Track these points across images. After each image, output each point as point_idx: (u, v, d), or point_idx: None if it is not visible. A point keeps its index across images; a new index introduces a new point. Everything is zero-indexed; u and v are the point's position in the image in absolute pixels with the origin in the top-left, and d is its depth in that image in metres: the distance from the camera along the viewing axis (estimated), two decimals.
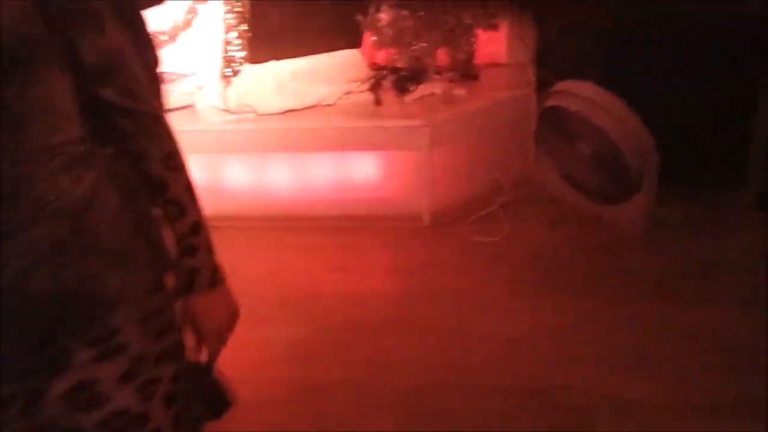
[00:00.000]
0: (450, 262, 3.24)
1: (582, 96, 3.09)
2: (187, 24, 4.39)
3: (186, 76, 4.36)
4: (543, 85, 3.60)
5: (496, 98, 3.68)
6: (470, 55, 3.73)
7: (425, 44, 3.42)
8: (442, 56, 3.70)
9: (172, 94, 4.14)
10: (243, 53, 3.62)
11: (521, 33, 3.83)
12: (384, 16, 3.38)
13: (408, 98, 3.61)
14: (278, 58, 3.65)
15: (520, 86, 3.72)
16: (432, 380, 2.49)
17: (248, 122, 3.61)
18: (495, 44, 4.01)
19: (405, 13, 3.32)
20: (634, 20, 3.52)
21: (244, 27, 3.51)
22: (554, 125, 3.42)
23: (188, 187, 1.21)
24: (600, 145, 3.13)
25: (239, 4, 3.50)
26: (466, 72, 3.73)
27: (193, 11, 4.39)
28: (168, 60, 4.37)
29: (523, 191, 3.67)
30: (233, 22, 3.58)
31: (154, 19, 4.29)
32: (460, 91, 3.60)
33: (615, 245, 3.19)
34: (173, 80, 4.36)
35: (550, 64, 3.73)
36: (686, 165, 3.35)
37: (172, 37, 4.40)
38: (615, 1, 3.57)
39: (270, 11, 3.47)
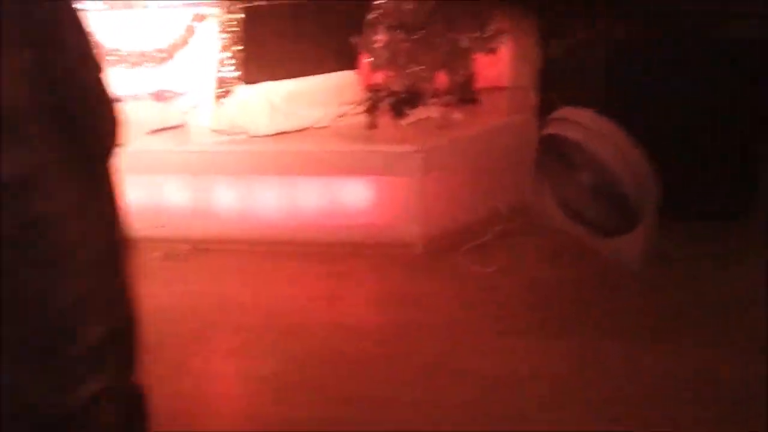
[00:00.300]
0: (442, 293, 3.12)
1: (582, 124, 2.98)
2: (184, 42, 4.34)
3: (182, 94, 4.30)
4: (549, 109, 3.50)
5: (494, 124, 3.58)
6: (469, 79, 3.64)
7: (421, 67, 3.32)
8: (441, 79, 3.60)
9: (168, 113, 4.08)
10: (236, 73, 3.54)
11: (524, 56, 3.73)
12: (379, 38, 3.29)
13: (404, 122, 3.51)
14: (272, 79, 3.57)
15: (521, 111, 3.61)
16: (417, 419, 2.37)
17: (239, 144, 3.52)
18: (497, 67, 3.91)
19: (400, 35, 3.24)
20: (640, 45, 3.42)
21: (237, 47, 3.43)
22: (554, 153, 3.31)
23: None
24: (600, 176, 3.01)
25: (233, 23, 3.42)
26: (465, 96, 3.63)
27: (190, 29, 4.34)
28: (164, 78, 4.36)
29: (521, 220, 3.54)
30: (226, 41, 3.50)
31: (152, 36, 4.29)
32: (457, 116, 3.50)
33: (614, 281, 3.05)
34: (170, 98, 4.31)
35: (555, 88, 3.63)
36: (691, 197, 3.23)
37: (170, 54, 4.35)
38: (622, 23, 3.48)
39: (264, 32, 3.38)
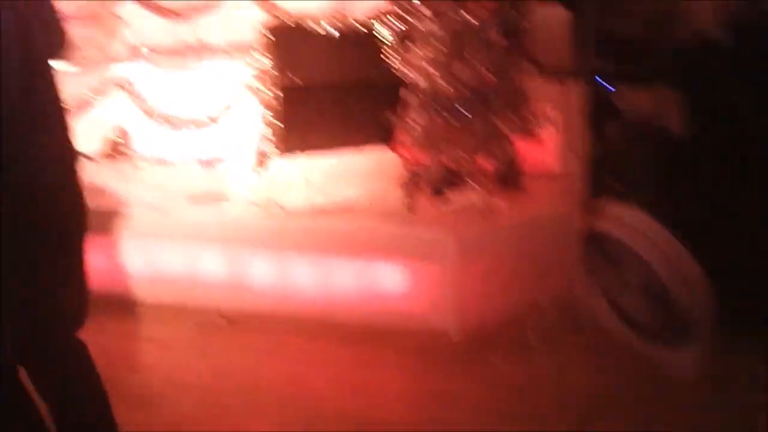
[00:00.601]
0: (470, 394, 2.90)
1: (628, 223, 2.78)
2: (230, 109, 4.33)
3: (225, 160, 4.28)
4: (596, 201, 3.31)
5: (538, 213, 3.41)
6: (513, 164, 3.49)
7: (459, 150, 3.20)
8: (485, 163, 3.47)
9: (210, 179, 4.04)
10: (274, 145, 3.48)
11: (572, 142, 3.57)
12: (416, 118, 3.19)
13: (443, 205, 3.37)
14: (310, 153, 3.49)
15: (567, 202, 3.43)
16: None
17: (274, 218, 3.44)
18: (544, 152, 3.76)
19: (436, 116, 3.13)
20: (702, 133, 3.23)
21: (275, 119, 3.37)
22: (600, 250, 3.10)
23: None
24: (647, 279, 2.79)
25: (271, 95, 3.37)
26: (509, 181, 3.48)
27: (237, 98, 4.33)
28: (209, 143, 4.35)
29: (564, 317, 3.33)
30: (266, 114, 3.45)
31: (200, 101, 4.28)
32: (499, 202, 3.35)
33: (661, 396, 2.80)
34: (213, 164, 4.28)
35: (604, 178, 3.44)
36: (753, 307, 2.97)
37: (216, 120, 4.35)
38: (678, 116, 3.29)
39: (303, 106, 3.33)
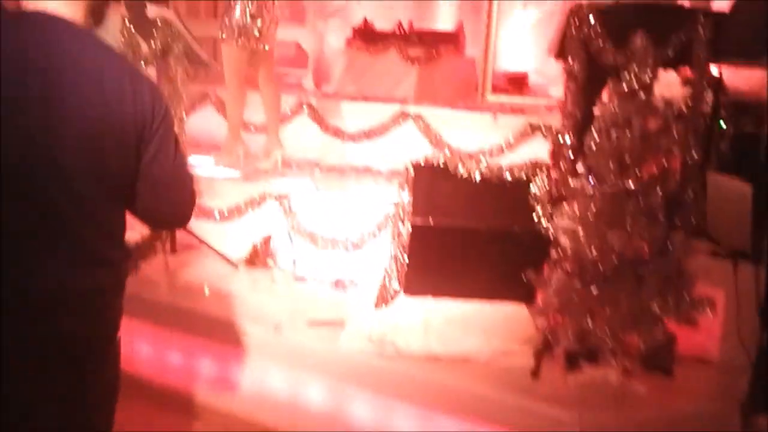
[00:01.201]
0: None
1: None
2: (374, 236, 4.27)
3: (359, 286, 4.18)
4: (760, 405, 2.79)
5: (684, 406, 2.92)
6: (665, 344, 3.05)
7: (601, 322, 2.84)
8: (631, 340, 3.06)
9: (337, 304, 3.93)
10: (399, 282, 3.32)
11: (738, 328, 3.07)
12: (558, 280, 2.89)
13: (573, 379, 3.00)
14: (435, 296, 3.30)
15: (723, 397, 2.92)
16: None
17: (386, 359, 3.23)
18: (705, 336, 3.27)
19: (577, 283, 2.81)
20: None
21: (405, 256, 3.23)
22: None
23: None
24: None
25: (405, 231, 3.26)
26: (655, 364, 3.03)
27: (383, 225, 4.27)
28: (348, 267, 4.28)
29: None
30: (397, 248, 3.33)
31: (348, 224, 4.25)
32: (639, 387, 2.91)
33: None
34: (347, 288, 4.20)
35: None
36: None
37: (359, 245, 4.30)
38: None
39: (433, 247, 3.17)
